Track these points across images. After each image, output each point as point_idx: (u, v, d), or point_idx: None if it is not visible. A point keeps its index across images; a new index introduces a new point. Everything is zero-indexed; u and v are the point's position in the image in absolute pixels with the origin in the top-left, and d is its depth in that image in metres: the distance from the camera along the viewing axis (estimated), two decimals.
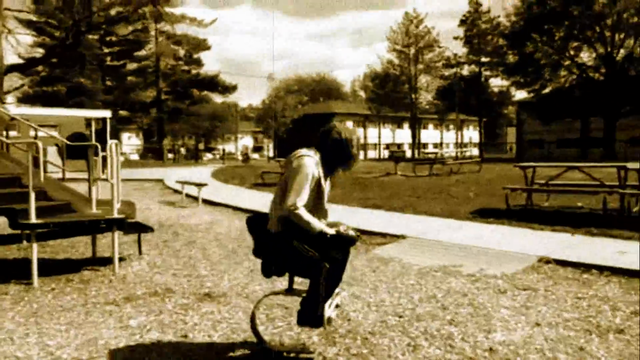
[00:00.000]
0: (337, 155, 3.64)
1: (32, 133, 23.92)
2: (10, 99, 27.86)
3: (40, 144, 5.96)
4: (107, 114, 29.27)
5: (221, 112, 67.40)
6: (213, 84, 51.69)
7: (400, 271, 6.18)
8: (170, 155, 54.00)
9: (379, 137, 74.58)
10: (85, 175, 7.30)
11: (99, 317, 4.74)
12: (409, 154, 61.50)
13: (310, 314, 3.56)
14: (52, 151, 24.72)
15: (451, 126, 69.11)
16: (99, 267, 6.60)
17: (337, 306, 3.88)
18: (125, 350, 3.98)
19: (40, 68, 41.94)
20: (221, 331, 4.35)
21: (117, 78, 49.38)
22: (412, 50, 57.56)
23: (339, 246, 3.60)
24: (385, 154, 64.54)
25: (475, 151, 61.38)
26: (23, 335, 4.30)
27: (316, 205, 3.64)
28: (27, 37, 41.32)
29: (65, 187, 8.27)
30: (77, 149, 20.39)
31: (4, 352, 3.97)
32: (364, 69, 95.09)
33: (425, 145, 73.18)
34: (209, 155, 59.09)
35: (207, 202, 13.18)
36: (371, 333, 4.24)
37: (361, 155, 3.85)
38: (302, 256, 3.53)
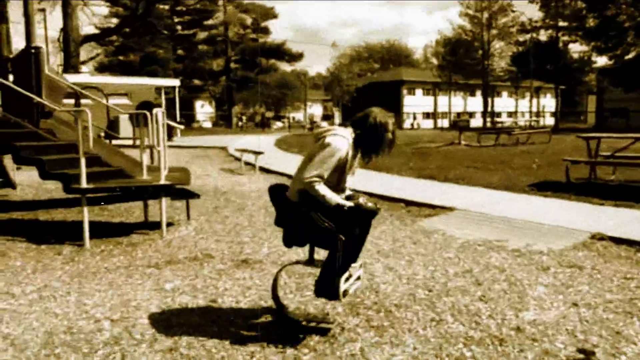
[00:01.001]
0: (372, 139, 3.55)
1: (103, 101, 24.84)
2: (85, 68, 29.10)
3: (89, 112, 6.16)
4: (176, 82, 30.16)
5: (290, 81, 67.76)
6: (280, 52, 51.88)
7: (441, 244, 6.04)
8: (240, 123, 55.09)
9: (449, 106, 72.73)
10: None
11: (138, 279, 4.93)
12: (480, 122, 59.68)
13: (327, 286, 3.54)
14: (125, 119, 25.79)
15: (527, 94, 66.20)
16: (148, 231, 6.86)
17: (358, 278, 3.84)
18: (154, 312, 4.12)
19: (114, 38, 43.49)
20: (249, 297, 4.42)
21: (187, 47, 50.47)
22: (485, 15, 55.17)
23: (357, 219, 3.54)
24: (469, 123, 62.89)
25: (551, 120, 58.72)
26: (65, 293, 4.55)
27: (335, 182, 3.58)
28: (102, 9, 42.97)
29: (122, 153, 8.61)
30: (145, 117, 20.88)
31: (45, 307, 4.22)
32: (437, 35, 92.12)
33: (499, 114, 70.69)
34: (278, 124, 59.78)
35: (264, 169, 13.36)
36: (397, 306, 4.18)
37: (397, 138, 3.72)
38: (320, 227, 3.50)
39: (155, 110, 6.55)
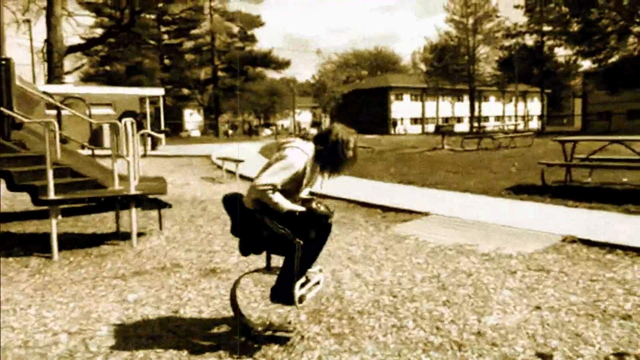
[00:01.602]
0: (333, 156, 3.52)
1: (93, 111, 24.74)
2: (70, 78, 28.96)
3: (55, 123, 6.09)
4: (160, 91, 30.05)
5: (278, 88, 67.79)
6: (266, 60, 51.93)
7: (413, 249, 6.03)
8: (230, 131, 54.98)
9: (437, 111, 73.07)
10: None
11: (102, 290, 4.87)
12: (468, 127, 59.90)
13: (283, 292, 3.51)
14: (107, 128, 25.63)
15: (514, 98, 66.68)
16: (119, 241, 6.79)
17: (317, 283, 3.80)
18: (114, 323, 4.07)
19: (99, 48, 43.34)
20: (213, 307, 4.38)
21: (174, 56, 50.41)
22: (471, 21, 55.59)
23: (312, 223, 3.51)
24: (453, 127, 63.11)
25: (538, 124, 59.09)
26: (26, 306, 4.48)
27: (290, 195, 3.56)
28: (88, 19, 42.82)
29: (97, 164, 8.55)
30: (118, 127, 20.42)
31: (3, 321, 4.15)
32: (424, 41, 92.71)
33: (486, 119, 71.05)
34: (267, 131, 59.71)
35: (245, 178, 13.31)
36: (360, 312, 4.15)
37: (356, 156, 3.69)
38: (275, 234, 3.48)
39: (123, 120, 6.50)
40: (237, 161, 13.26)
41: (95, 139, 25.58)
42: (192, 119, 70.15)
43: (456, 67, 57.58)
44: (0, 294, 4.77)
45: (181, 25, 49.48)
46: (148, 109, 29.91)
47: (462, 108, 70.27)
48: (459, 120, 72.51)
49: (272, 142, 32.68)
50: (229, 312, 4.21)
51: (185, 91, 54.32)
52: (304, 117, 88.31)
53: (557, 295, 4.45)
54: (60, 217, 8.55)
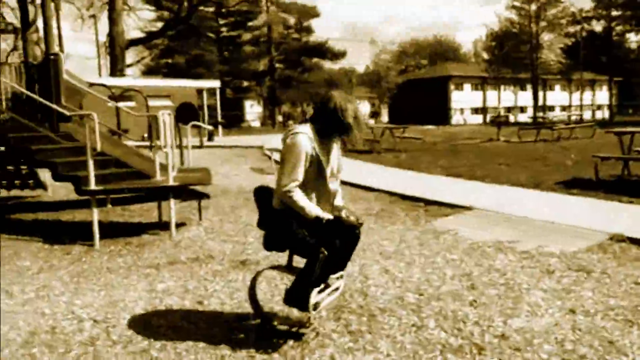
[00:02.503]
0: (332, 125, 3.44)
1: (150, 103, 25.54)
2: (130, 71, 29.97)
3: (95, 115, 6.25)
4: (216, 84, 30.59)
5: (337, 78, 67.62)
6: (322, 50, 51.86)
7: (449, 245, 5.85)
8: (290, 121, 55.32)
9: (499, 100, 70.96)
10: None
11: (135, 280, 4.98)
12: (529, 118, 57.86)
13: (298, 296, 3.45)
14: (167, 120, 26.27)
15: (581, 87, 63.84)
16: (160, 231, 6.93)
17: (336, 290, 3.72)
18: (138, 313, 4.15)
19: (159, 41, 44.51)
20: (236, 299, 4.39)
21: (232, 49, 51.13)
22: (533, 7, 53.49)
23: (337, 232, 3.42)
24: (519, 117, 61.25)
25: (604, 114, 56.38)
26: (60, 293, 4.64)
27: (318, 185, 3.47)
28: (149, 13, 44.14)
29: (144, 155, 8.76)
30: (186, 118, 21.30)
31: (36, 307, 4.31)
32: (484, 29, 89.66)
33: (552, 108, 68.44)
34: None
35: None
36: (382, 310, 4.05)
37: (364, 125, 3.60)
38: (299, 237, 3.42)
39: (160, 112, 6.61)
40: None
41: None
42: (253, 110, 71.04)
43: (518, 55, 55.65)
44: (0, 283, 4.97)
45: (238, 18, 50.09)
46: (205, 101, 30.54)
47: (525, 97, 67.90)
48: (522, 110, 70.17)
49: None
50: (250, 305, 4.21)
51: (245, 83, 55.03)
52: (363, 108, 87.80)
53: (595, 298, 4.20)
54: (110, 205, 8.87)
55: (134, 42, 33.44)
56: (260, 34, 52.10)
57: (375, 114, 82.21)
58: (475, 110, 70.09)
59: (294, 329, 3.72)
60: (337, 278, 3.74)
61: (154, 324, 3.93)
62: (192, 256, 5.75)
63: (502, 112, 67.17)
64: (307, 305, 3.39)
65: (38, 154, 6.67)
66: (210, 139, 25.79)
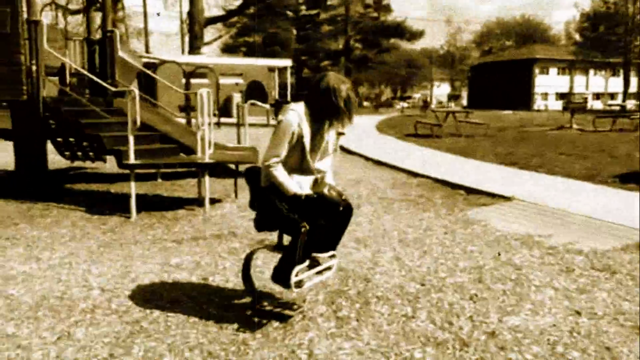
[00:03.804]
0: (324, 105, 3.41)
1: (222, 80, 26.24)
2: (206, 49, 30.78)
3: (136, 91, 6.50)
4: (287, 62, 30.86)
5: (416, 59, 66.46)
6: (399, 30, 50.92)
7: (474, 236, 5.66)
8: (366, 103, 55.07)
9: (587, 86, 67.13)
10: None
11: (155, 252, 5.18)
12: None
13: (281, 274, 3.48)
14: (238, 97, 26.93)
15: None
16: (195, 207, 7.15)
17: (328, 269, 3.71)
18: (144, 284, 4.32)
19: (238, 19, 45.30)
20: (240, 278, 4.46)
21: (309, 27, 51.24)
22: None
23: (319, 209, 3.42)
24: (595, 104, 57.91)
25: None
26: (82, 261, 4.90)
27: (302, 164, 3.50)
28: None
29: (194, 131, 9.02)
30: (255, 96, 21.91)
31: (56, 273, 4.58)
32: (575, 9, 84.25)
33: None
34: (403, 104, 58.79)
35: (347, 151, 13.32)
36: (378, 298, 4.01)
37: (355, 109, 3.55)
38: (282, 213, 3.46)
39: (200, 91, 6.76)
40: (339, 134, 13.23)
41: (226, 108, 27.04)
42: None
43: (611, 38, 52.19)
44: None
45: None
46: (277, 79, 30.95)
47: (617, 83, 63.78)
48: (613, 96, 66.04)
49: (395, 115, 32.24)
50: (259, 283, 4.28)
51: (325, 62, 55.22)
52: (444, 89, 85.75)
53: (608, 300, 3.95)
54: (160, 180, 9.24)
55: (212, 20, 34.33)
56: (338, 13, 51.82)
57: (455, 97, 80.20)
58: (561, 96, 66.66)
59: (281, 310, 3.75)
60: (329, 257, 3.72)
61: (155, 297, 4.08)
62: (216, 232, 5.90)
63: (591, 99, 63.49)
64: (289, 282, 3.41)
65: (86, 127, 7.03)
66: (276, 117, 26.22)
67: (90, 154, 10.05)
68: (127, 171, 6.77)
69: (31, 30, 6.61)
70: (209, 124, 6.91)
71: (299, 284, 3.50)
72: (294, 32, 50.90)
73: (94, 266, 4.77)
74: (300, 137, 3.40)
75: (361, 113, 39.35)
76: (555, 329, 3.50)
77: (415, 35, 52.01)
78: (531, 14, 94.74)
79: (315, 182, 3.64)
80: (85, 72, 7.40)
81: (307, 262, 3.55)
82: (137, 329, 3.54)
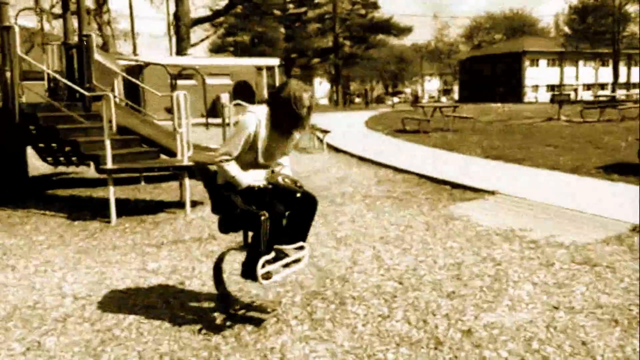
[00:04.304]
0: (285, 114, 3.38)
1: (210, 81, 26.14)
2: (192, 50, 30.62)
3: (110, 95, 6.43)
4: (275, 62, 30.75)
5: (406, 55, 66.51)
6: (387, 27, 50.86)
7: (455, 232, 5.63)
8: (358, 100, 55.04)
9: (577, 77, 67.29)
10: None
11: (132, 258, 5.12)
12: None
13: (248, 267, 3.44)
14: (225, 97, 26.82)
15: None
16: (177, 210, 7.08)
17: (296, 261, 3.64)
18: (120, 290, 4.26)
19: (223, 19, 45.11)
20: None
21: (297, 26, 51.13)
22: None
23: (275, 198, 3.41)
24: (585, 95, 58.04)
25: None
26: (58, 269, 4.83)
27: (256, 162, 3.49)
28: None
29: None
30: (243, 95, 21.84)
31: (30, 282, 4.51)
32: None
33: (636, 85, 64.13)
34: (394, 99, 58.69)
35: (334, 148, 13.28)
36: (354, 298, 3.96)
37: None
38: (240, 208, 3.43)
39: (175, 93, 6.69)
40: (324, 132, 13.23)
41: (214, 109, 26.92)
42: (322, 87, 71.07)
43: (600, 29, 52.36)
44: None
45: None
46: (265, 79, 30.83)
47: (607, 74, 63.98)
48: (603, 87, 66.21)
49: (386, 110, 32.22)
50: (228, 287, 4.23)
51: (314, 60, 55.16)
52: (434, 84, 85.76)
53: (587, 294, 3.92)
54: (143, 183, 9.15)
55: (199, 21, 34.17)
56: (325, 11, 51.71)
57: (446, 91, 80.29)
58: (552, 88, 66.80)
59: (255, 314, 3.70)
60: (297, 249, 3.66)
61: (129, 303, 4.02)
62: (196, 236, 5.84)
63: (582, 90, 63.66)
64: (255, 274, 3.35)
65: (63, 133, 6.94)
66: None
67: (73, 158, 9.98)
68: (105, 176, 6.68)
69: (3, 37, 6.51)
70: (187, 125, 6.84)
71: (267, 276, 3.44)
72: (282, 30, 50.74)
73: (69, 273, 4.70)
74: (256, 140, 3.39)
75: (352, 109, 39.40)
76: (532, 324, 3.47)
77: (404, 30, 52.02)
78: (519, 8, 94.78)
79: (272, 173, 3.63)
80: (59, 77, 7.30)
81: (272, 254, 3.49)
82: (108, 336, 3.48)
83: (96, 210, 7.17)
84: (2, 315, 3.86)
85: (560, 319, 3.53)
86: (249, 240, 3.69)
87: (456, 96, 69.69)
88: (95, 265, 4.91)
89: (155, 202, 7.80)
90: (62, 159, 9.42)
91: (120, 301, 4.06)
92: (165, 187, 8.91)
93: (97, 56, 7.99)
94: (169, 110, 11.37)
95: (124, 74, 9.47)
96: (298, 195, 3.48)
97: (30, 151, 9.02)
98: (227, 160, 3.36)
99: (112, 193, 6.52)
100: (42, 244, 5.66)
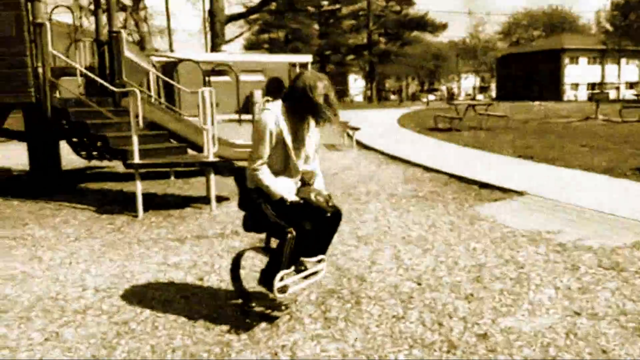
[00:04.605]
0: (301, 104, 3.35)
1: (243, 77, 26.32)
2: (225, 47, 30.82)
3: (137, 92, 6.51)
4: (307, 58, 30.70)
5: (442, 52, 65.75)
6: (422, 23, 50.31)
7: (480, 233, 5.52)
8: (393, 97, 54.66)
9: (619, 75, 65.33)
10: None
11: (155, 252, 5.18)
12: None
13: (267, 278, 3.44)
14: (258, 94, 26.98)
15: None
16: (203, 205, 7.14)
17: (314, 274, 3.63)
18: (139, 284, 4.32)
19: (258, 16, 45.31)
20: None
21: (331, 22, 51.05)
22: None
23: (305, 214, 3.37)
24: (627, 94, 56.35)
25: None
26: (82, 261, 4.93)
27: (287, 165, 3.44)
28: None
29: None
30: (274, 92, 22.08)
31: (55, 273, 4.61)
32: None
33: None
34: (430, 97, 57.99)
35: (364, 146, 13.21)
36: (370, 298, 3.92)
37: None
38: (269, 217, 3.41)
39: (201, 90, 6.73)
40: (354, 129, 13.17)
41: (247, 105, 27.12)
42: (357, 84, 70.69)
43: None
44: None
45: None
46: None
47: None
48: None
49: (419, 108, 31.87)
50: (246, 284, 4.24)
51: (348, 57, 55.03)
52: (471, 81, 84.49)
53: (612, 300, 3.79)
54: (172, 178, 9.28)
55: (233, 18, 34.39)
56: (360, 7, 51.47)
57: (483, 89, 79.05)
58: (592, 86, 65.08)
59: (269, 311, 3.70)
60: (317, 262, 3.66)
61: (148, 297, 4.07)
62: (219, 231, 5.88)
63: (624, 88, 61.78)
64: (272, 287, 3.36)
65: (92, 128, 7.08)
66: None
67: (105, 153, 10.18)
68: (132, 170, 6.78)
69: (36, 33, 6.66)
70: (213, 122, 6.89)
71: (283, 289, 3.45)
72: (316, 27, 50.71)
73: (93, 266, 4.79)
74: (280, 136, 3.35)
75: (385, 107, 39.16)
76: (551, 330, 3.37)
77: (439, 27, 51.36)
78: (559, 4, 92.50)
79: (303, 184, 3.57)
80: (88, 73, 7.44)
81: (292, 268, 3.50)
82: (124, 329, 3.53)
83: (125, 204, 7.29)
84: (26, 305, 3.95)
85: (581, 326, 3.42)
86: (271, 244, 3.70)
87: (493, 94, 68.63)
88: (118, 259, 4.99)
89: (183, 197, 7.89)
90: (94, 153, 9.62)
91: (139, 295, 4.11)
92: (194, 182, 9.01)
93: (128, 53, 8.11)
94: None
95: (154, 71, 9.58)
96: (328, 215, 3.45)
97: (65, 145, 9.26)
98: (260, 165, 3.33)
99: (139, 187, 6.62)
100: (69, 237, 5.78)
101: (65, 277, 4.53)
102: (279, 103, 3.40)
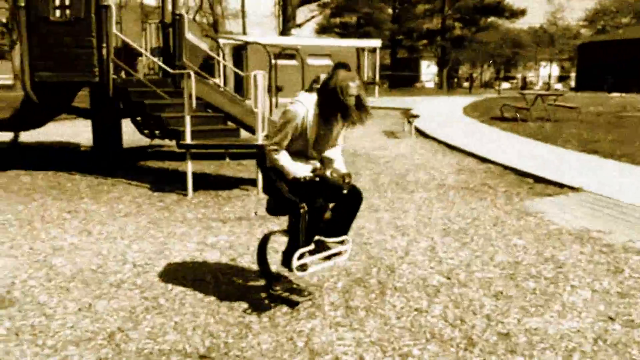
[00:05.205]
0: (332, 103, 3.34)
1: (310, 61, 26.50)
2: (300, 30, 30.97)
3: (192, 74, 6.65)
4: (376, 43, 30.43)
5: (521, 39, 63.33)
6: (498, 9, 48.39)
7: (525, 229, 5.33)
8: (466, 84, 53.19)
9: None
10: None
11: (196, 231, 5.34)
12: None
13: (286, 256, 3.49)
14: (323, 78, 27.06)
15: None
16: (251, 187, 7.26)
17: (338, 254, 3.64)
18: (174, 262, 4.47)
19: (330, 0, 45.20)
20: (269, 260, 4.49)
21: (404, 6, 50.10)
22: None
23: (320, 191, 3.39)
24: None
25: None
26: (126, 237, 5.15)
27: (306, 151, 3.49)
28: None
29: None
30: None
31: (99, 247, 4.84)
32: None
33: None
34: (504, 85, 55.96)
35: (423, 134, 12.98)
36: (396, 289, 3.88)
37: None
38: (282, 194, 3.47)
39: (253, 73, 6.80)
40: (414, 116, 12.95)
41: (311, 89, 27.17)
42: (430, 70, 69.28)
43: None
44: None
45: None
46: (367, 60, 30.67)
47: None
48: None
49: (489, 96, 30.85)
50: (277, 267, 4.29)
51: (420, 42, 54.05)
52: (552, 70, 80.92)
53: None
54: (227, 159, 9.49)
55: (305, 1, 34.50)
56: None
57: (563, 78, 75.47)
58: None
59: (293, 296, 3.74)
60: (339, 243, 3.65)
61: (180, 275, 4.21)
62: (261, 214, 5.97)
63: None
64: (291, 265, 3.40)
65: (149, 107, 7.33)
66: None
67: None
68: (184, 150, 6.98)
69: (101, 15, 6.95)
70: (264, 105, 6.96)
71: (303, 268, 3.48)
72: (389, 11, 49.97)
73: (135, 242, 4.99)
74: (304, 129, 3.38)
75: (455, 94, 38.19)
76: (579, 334, 3.22)
77: (516, 13, 49.28)
78: None
79: (321, 163, 3.60)
80: (148, 55, 7.69)
81: (312, 246, 3.51)
82: (153, 305, 3.67)
83: (178, 183, 7.51)
84: (67, 276, 4.18)
85: (613, 332, 3.25)
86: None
87: (572, 83, 65.46)
88: (160, 236, 5.18)
89: (234, 178, 8.05)
90: (157, 132, 9.96)
91: (173, 272, 4.26)
92: (247, 164, 9.16)
93: (188, 35, 8.31)
94: (269, 89, 11.66)
95: (212, 54, 9.77)
96: (344, 192, 3.45)
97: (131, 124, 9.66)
98: (276, 151, 3.39)
99: (189, 167, 6.81)
100: (120, 212, 6.04)
101: (108, 251, 4.75)
102: (313, 96, 3.40)
